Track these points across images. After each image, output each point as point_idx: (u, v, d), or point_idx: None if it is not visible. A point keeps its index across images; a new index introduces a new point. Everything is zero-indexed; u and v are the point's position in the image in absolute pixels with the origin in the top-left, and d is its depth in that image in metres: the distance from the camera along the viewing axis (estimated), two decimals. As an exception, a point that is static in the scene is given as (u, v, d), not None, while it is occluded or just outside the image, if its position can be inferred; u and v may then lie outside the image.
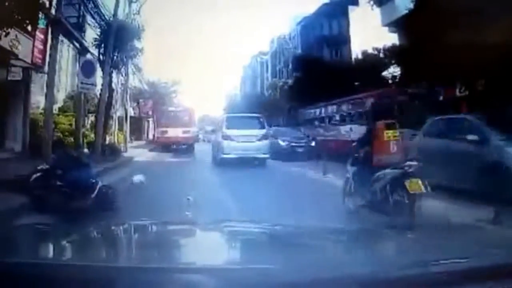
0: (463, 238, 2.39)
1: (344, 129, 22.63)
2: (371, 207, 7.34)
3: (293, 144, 23.44)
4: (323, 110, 27.13)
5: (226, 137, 18.34)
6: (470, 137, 9.77)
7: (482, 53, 14.49)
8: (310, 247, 2.21)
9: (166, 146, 28.79)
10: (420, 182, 6.54)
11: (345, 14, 46.81)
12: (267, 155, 18.84)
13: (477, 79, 19.43)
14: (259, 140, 18.60)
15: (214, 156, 20.42)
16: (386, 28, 28.87)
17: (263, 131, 19.09)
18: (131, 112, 34.83)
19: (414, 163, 6.84)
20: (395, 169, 6.90)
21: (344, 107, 23.73)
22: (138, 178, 7.69)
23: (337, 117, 24.57)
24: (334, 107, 25.27)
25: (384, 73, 29.42)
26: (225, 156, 18.17)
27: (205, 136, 48.46)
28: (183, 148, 28.64)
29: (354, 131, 19.99)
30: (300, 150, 23.01)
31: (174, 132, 28.77)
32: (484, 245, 2.03)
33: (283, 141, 23.34)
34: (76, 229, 2.83)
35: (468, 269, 1.60)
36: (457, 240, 2.27)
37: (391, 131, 7.78)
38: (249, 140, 18.25)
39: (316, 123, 27.89)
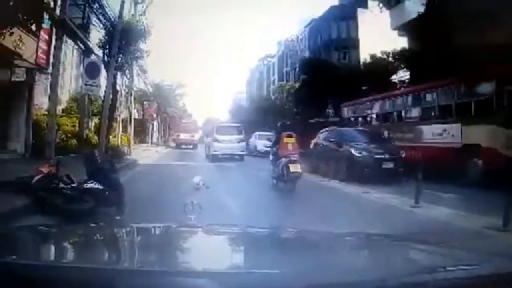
0: (471, 245, 2.32)
1: (431, 130, 16.28)
2: (276, 178, 12.81)
3: (378, 155, 14.75)
4: (387, 103, 20.25)
5: (216, 140, 26.06)
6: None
7: (492, 55, 14.25)
8: (315, 252, 2.22)
9: (179, 144, 42.77)
10: (298, 165, 12.12)
11: (354, 17, 46.74)
12: (244, 152, 27.22)
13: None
14: (238, 142, 26.38)
15: (206, 153, 28.64)
16: (395, 32, 28.71)
17: (241, 136, 27.05)
18: (135, 114, 34.83)
19: (296, 156, 12.36)
20: (286, 159, 12.21)
21: (429, 97, 17.11)
22: (197, 179, 9.85)
23: (414, 113, 18.16)
24: (409, 97, 18.66)
25: (393, 77, 29.18)
26: (214, 153, 25.78)
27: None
28: (189, 146, 41.61)
29: (451, 134, 15.14)
30: (389, 165, 14.57)
31: (185, 136, 43.53)
32: (492, 252, 2.06)
33: (359, 150, 15.07)
34: (78, 231, 2.79)
35: (476, 276, 1.60)
36: (464, 247, 2.31)
37: (289, 139, 13.08)
38: (231, 142, 25.83)
39: (375, 121, 21.15)
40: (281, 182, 12.51)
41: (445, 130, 15.36)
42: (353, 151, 15.06)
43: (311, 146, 18.80)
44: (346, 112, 24.58)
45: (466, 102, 14.70)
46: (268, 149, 15.53)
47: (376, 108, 21.03)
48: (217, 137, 26.11)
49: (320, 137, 18.45)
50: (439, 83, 16.30)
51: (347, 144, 15.57)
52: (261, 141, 30.48)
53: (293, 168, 11.91)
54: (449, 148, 14.64)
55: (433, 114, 16.66)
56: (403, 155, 14.98)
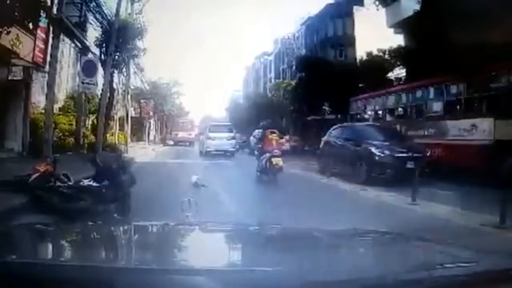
0: (468, 242, 2.34)
1: (458, 125, 14.60)
2: (260, 171, 13.94)
3: (400, 154, 13.37)
4: (405, 96, 18.22)
5: (209, 138, 28.07)
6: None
7: (489, 53, 14.29)
8: (314, 250, 2.19)
9: (177, 142, 44.76)
10: (280, 159, 13.43)
11: (350, 14, 46.70)
12: (234, 149, 28.34)
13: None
14: (228, 140, 28.09)
15: (200, 150, 30.14)
16: (391, 29, 28.73)
17: (231, 134, 28.86)
18: (132, 112, 34.82)
19: (278, 151, 13.85)
20: (269, 153, 13.49)
21: (454, 90, 15.38)
22: (195, 178, 10.81)
23: (435, 107, 16.22)
24: (431, 90, 16.56)
25: (389, 75, 29.24)
26: (207, 149, 27.75)
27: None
28: (186, 144, 43.10)
29: (480, 130, 13.64)
30: (410, 165, 12.47)
31: (182, 134, 46.47)
32: (490, 249, 2.11)
33: (380, 149, 13.69)
34: (76, 229, 2.80)
35: (474, 273, 1.60)
36: (462, 244, 2.29)
37: (273, 136, 14.77)
38: (222, 140, 27.74)
39: (390, 117, 19.21)
40: (264, 174, 13.55)
41: (474, 125, 13.75)
42: (373, 150, 13.65)
43: (321, 144, 17.55)
44: (355, 107, 22.43)
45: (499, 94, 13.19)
46: None
47: (392, 102, 19.05)
48: (210, 135, 28.16)
49: (332, 135, 16.90)
50: (467, 72, 14.27)
51: (366, 143, 14.10)
52: None
53: (276, 161, 13.20)
54: (479, 145, 13.14)
55: (459, 107, 15.06)
56: (428, 154, 13.71)
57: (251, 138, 32.90)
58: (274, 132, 14.87)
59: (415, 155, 13.18)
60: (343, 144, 15.55)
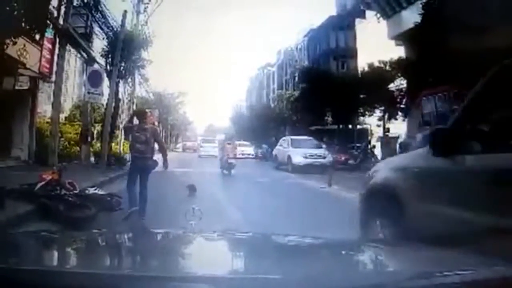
0: (468, 249, 2.34)
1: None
2: (221, 168, 19.70)
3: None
4: None
5: (201, 146, 44.18)
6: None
7: (490, 65, 14.42)
8: (315, 258, 2.19)
9: (185, 149, 59.83)
10: (233, 160, 19.55)
11: (352, 26, 46.98)
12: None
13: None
14: (214, 148, 37.14)
15: (198, 155, 41.73)
16: (393, 41, 28.91)
17: (216, 144, 37.23)
18: (137, 122, 34.89)
19: (232, 155, 20.39)
20: (227, 156, 19.54)
21: None
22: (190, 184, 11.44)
23: None
24: None
25: (390, 86, 29.35)
26: (200, 153, 41.47)
27: None
28: (191, 151, 54.22)
29: None
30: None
31: (189, 144, 63.84)
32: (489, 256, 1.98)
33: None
34: (81, 237, 2.81)
35: (473, 281, 1.58)
36: (462, 252, 2.23)
37: (229, 145, 20.65)
38: (210, 148, 40.29)
39: None
40: (224, 169, 19.63)
41: None
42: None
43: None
44: (429, 104, 19.33)
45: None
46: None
47: None
48: (202, 144, 44.89)
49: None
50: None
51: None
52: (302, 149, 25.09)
53: (230, 161, 19.54)
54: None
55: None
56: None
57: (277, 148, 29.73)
58: (229, 143, 21.71)
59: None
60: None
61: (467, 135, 3.40)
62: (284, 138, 29.78)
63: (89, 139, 20.12)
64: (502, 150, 2.96)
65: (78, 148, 20.04)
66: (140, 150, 8.30)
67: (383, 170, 4.71)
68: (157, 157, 8.83)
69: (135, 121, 9.13)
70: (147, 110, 12.05)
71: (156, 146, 8.78)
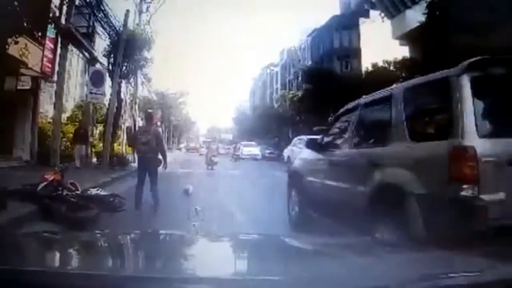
0: (472, 251, 2.30)
1: None
2: (207, 164, 24.45)
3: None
4: None
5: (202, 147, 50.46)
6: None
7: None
8: (317, 259, 2.19)
9: (188, 149, 65.67)
10: (216, 158, 24.82)
11: (356, 26, 46.84)
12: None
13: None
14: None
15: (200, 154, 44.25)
16: (397, 41, 28.79)
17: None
18: (139, 122, 34.96)
19: (215, 154, 25.51)
20: (211, 154, 24.70)
21: None
22: (188, 187, 11.08)
23: None
24: None
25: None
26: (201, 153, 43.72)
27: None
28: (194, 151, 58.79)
29: None
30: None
31: (191, 144, 70.70)
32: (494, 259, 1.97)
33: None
34: (83, 238, 2.79)
35: (479, 283, 1.58)
36: (466, 254, 2.23)
37: (213, 145, 26.73)
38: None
39: None
40: (209, 165, 23.97)
41: None
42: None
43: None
44: None
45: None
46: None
47: None
48: (203, 145, 49.59)
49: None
50: None
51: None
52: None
53: (214, 159, 24.23)
54: None
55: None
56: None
57: (289, 148, 30.44)
58: (214, 144, 27.75)
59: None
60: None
61: (323, 143, 6.94)
62: (299, 137, 29.01)
63: (90, 139, 20.05)
64: (334, 150, 6.38)
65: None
66: (144, 150, 9.08)
67: (296, 159, 8.90)
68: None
69: (142, 123, 9.73)
70: (149, 111, 12.01)
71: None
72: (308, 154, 7.52)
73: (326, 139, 6.94)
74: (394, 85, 5.89)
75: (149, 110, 12.91)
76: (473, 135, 3.73)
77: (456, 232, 3.63)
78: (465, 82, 3.92)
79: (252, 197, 12.21)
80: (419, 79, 5.08)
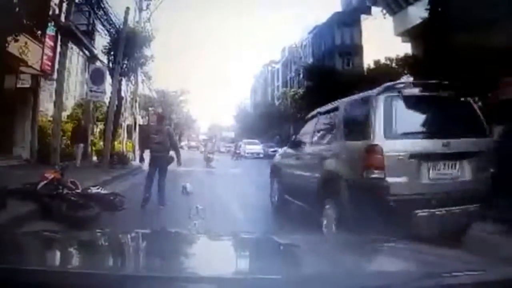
0: (476, 250, 2.29)
1: None
2: (204, 160, 26.01)
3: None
4: None
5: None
6: None
7: (497, 63, 14.17)
8: (318, 258, 2.21)
9: (190, 147, 64.25)
10: (212, 154, 26.24)
11: (357, 23, 46.66)
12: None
13: (493, 90, 19.10)
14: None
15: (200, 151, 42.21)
16: (399, 38, 28.62)
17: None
18: (140, 120, 34.93)
19: (212, 150, 26.86)
20: (208, 151, 26.87)
21: None
22: (188, 185, 11.63)
23: None
24: None
25: (397, 83, 29.08)
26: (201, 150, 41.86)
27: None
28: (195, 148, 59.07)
29: None
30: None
31: (192, 143, 70.26)
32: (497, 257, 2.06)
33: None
34: (83, 236, 2.82)
35: (483, 281, 1.58)
36: (470, 252, 2.27)
37: (210, 143, 28.55)
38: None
39: None
40: (207, 161, 25.13)
41: None
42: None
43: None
44: None
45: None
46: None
47: None
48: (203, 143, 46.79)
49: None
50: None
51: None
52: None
53: (211, 156, 25.50)
54: None
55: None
56: None
57: None
58: (211, 141, 29.22)
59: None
60: None
61: (295, 141, 8.57)
62: None
63: (90, 137, 19.97)
64: (301, 147, 8.07)
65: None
66: (157, 149, 9.56)
67: (276, 155, 10.72)
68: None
69: (143, 121, 9.95)
70: (150, 109, 11.95)
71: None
72: (284, 150, 9.54)
73: (297, 139, 8.63)
74: (338, 100, 7.40)
75: (160, 111, 13.22)
76: (381, 137, 5.47)
77: (371, 202, 5.33)
78: (380, 100, 5.65)
79: (248, 195, 12.37)
80: (355, 96, 6.87)
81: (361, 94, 6.52)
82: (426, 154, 5.55)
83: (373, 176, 5.36)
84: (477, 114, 6.18)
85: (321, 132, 7.59)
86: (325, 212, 6.24)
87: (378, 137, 5.44)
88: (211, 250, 2.42)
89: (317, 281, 1.53)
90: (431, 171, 5.55)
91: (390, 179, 5.32)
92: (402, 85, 5.97)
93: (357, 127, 6.14)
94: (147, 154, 10.25)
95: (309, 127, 8.30)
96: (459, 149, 5.69)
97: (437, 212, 5.36)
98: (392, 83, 6.11)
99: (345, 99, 7.12)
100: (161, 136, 9.60)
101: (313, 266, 1.97)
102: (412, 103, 5.83)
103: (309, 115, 8.70)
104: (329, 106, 7.66)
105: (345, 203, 5.75)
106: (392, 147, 5.38)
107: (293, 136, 9.11)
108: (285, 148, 9.57)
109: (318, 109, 8.16)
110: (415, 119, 5.86)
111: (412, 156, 5.44)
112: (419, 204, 5.34)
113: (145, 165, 11.05)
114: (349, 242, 2.74)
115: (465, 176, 5.69)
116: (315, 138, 7.69)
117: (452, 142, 5.64)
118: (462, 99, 6.24)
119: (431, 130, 5.82)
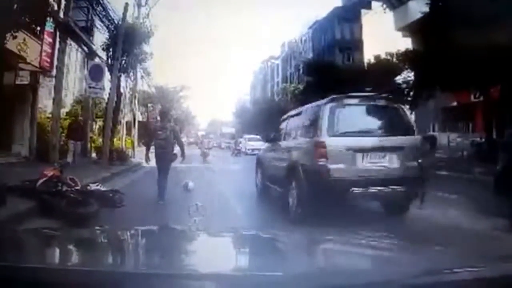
0: (477, 246, 2.29)
1: None
2: (201, 155, 27.94)
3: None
4: None
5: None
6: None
7: (498, 58, 14.12)
8: (319, 255, 2.24)
9: (189, 144, 58.30)
10: (209, 150, 29.47)
11: (358, 18, 46.57)
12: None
13: (493, 85, 19.05)
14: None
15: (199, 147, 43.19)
16: (399, 33, 28.58)
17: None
18: (139, 117, 34.87)
19: (208, 146, 30.19)
20: (205, 147, 29.23)
21: None
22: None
23: None
24: None
25: (397, 78, 28.97)
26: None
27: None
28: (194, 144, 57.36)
29: None
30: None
31: (192, 140, 67.21)
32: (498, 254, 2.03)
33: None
34: (83, 234, 2.78)
35: (483, 278, 1.58)
36: (471, 249, 2.35)
37: (206, 140, 31.83)
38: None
39: None
40: (203, 157, 26.97)
41: None
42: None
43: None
44: None
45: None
46: None
47: None
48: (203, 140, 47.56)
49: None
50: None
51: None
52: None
53: (207, 151, 28.03)
54: None
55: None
56: None
57: None
58: (207, 138, 31.52)
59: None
60: None
61: (273, 137, 10.57)
62: None
63: (89, 134, 19.90)
64: (277, 142, 10.01)
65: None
66: (162, 146, 9.82)
67: (261, 149, 12.78)
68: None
69: (141, 117, 10.02)
70: (149, 105, 11.92)
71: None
72: (267, 145, 11.50)
73: (274, 135, 10.57)
74: (303, 106, 9.72)
75: (164, 108, 13.23)
76: (325, 135, 7.41)
77: (319, 182, 7.21)
78: (326, 108, 7.63)
79: (240, 186, 13.28)
80: (312, 104, 8.79)
81: (315, 103, 8.50)
82: (359, 147, 7.34)
83: (319, 163, 7.22)
84: (406, 118, 8.13)
85: (290, 131, 9.64)
86: (290, 192, 8.02)
87: (323, 135, 7.44)
88: (211, 247, 2.42)
89: (317, 278, 1.54)
90: (364, 160, 7.33)
91: (331, 165, 7.16)
92: (344, 97, 7.97)
93: (311, 127, 8.11)
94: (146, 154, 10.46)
95: (283, 126, 10.25)
96: (388, 144, 7.47)
97: (369, 190, 7.23)
98: (336, 96, 7.98)
99: (306, 106, 9.32)
100: (166, 132, 9.85)
101: (314, 263, 1.97)
102: (352, 110, 7.88)
103: (284, 117, 10.74)
104: (296, 111, 10.02)
105: (302, 183, 7.62)
106: (334, 143, 7.27)
107: (272, 134, 10.96)
108: (267, 143, 11.61)
109: (289, 113, 10.56)
110: (354, 122, 7.73)
111: (348, 149, 7.27)
112: (353, 184, 7.17)
113: (147, 163, 11.10)
114: (350, 238, 2.72)
115: (393, 164, 7.41)
116: (286, 136, 9.75)
117: (383, 139, 7.51)
118: (395, 105, 8.17)
119: (366, 130, 7.73)
